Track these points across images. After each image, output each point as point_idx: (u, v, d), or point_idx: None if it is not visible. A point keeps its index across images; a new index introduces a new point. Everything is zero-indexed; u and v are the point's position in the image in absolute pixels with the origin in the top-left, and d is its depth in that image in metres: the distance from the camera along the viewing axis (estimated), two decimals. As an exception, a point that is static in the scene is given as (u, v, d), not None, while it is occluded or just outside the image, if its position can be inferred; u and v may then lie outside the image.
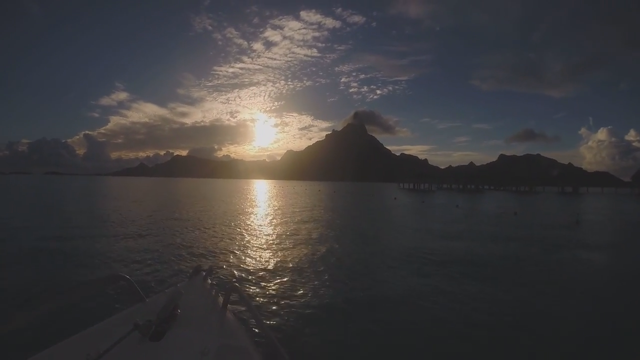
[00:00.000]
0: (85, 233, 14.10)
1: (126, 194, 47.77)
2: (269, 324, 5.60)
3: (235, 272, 8.77)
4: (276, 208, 29.85)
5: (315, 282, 8.01)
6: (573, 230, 19.51)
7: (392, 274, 8.96)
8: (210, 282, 2.78)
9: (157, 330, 1.90)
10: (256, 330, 3.60)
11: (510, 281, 8.63)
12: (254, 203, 36.13)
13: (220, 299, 2.41)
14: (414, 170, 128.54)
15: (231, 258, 10.33)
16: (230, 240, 13.42)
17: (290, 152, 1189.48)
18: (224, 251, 11.28)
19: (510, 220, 23.75)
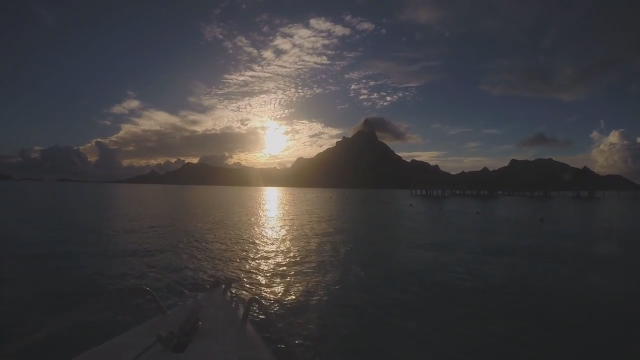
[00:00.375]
0: (101, 243, 13.89)
1: (138, 202, 47.45)
2: (286, 339, 5.43)
3: (255, 286, 8.55)
4: (291, 218, 28.96)
5: (345, 309, 7.07)
6: (610, 239, 18.51)
7: (432, 310, 7.23)
8: (230, 294, 2.76)
9: (180, 342, 1.91)
10: (277, 342, 3.29)
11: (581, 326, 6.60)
12: (267, 212, 34.94)
13: (241, 312, 2.43)
14: (426, 177, 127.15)
15: (250, 272, 9.99)
16: (248, 252, 12.89)
17: (300, 160, 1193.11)
18: (242, 264, 10.94)
19: (538, 228, 22.70)
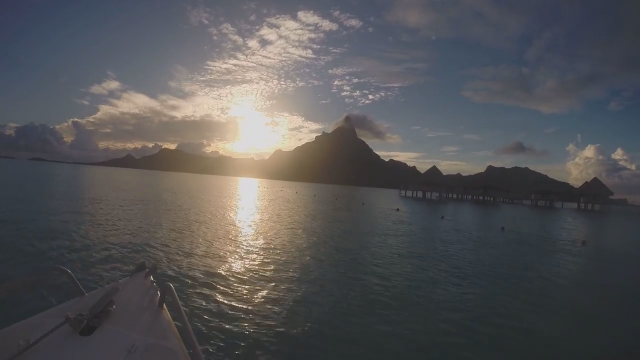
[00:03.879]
0: (37, 221, 13.70)
1: (103, 185, 45.61)
2: (202, 329, 5.56)
3: (180, 274, 8.42)
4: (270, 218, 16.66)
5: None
6: None
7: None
8: (152, 279, 2.58)
9: (89, 325, 1.86)
10: (189, 332, 2.77)
11: None
12: (238, 205, 31.93)
13: (158, 298, 2.31)
14: (424, 178, 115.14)
15: (184, 259, 9.89)
16: (187, 244, 12.11)
17: (279, 152, 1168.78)
18: (175, 253, 10.56)
19: None
